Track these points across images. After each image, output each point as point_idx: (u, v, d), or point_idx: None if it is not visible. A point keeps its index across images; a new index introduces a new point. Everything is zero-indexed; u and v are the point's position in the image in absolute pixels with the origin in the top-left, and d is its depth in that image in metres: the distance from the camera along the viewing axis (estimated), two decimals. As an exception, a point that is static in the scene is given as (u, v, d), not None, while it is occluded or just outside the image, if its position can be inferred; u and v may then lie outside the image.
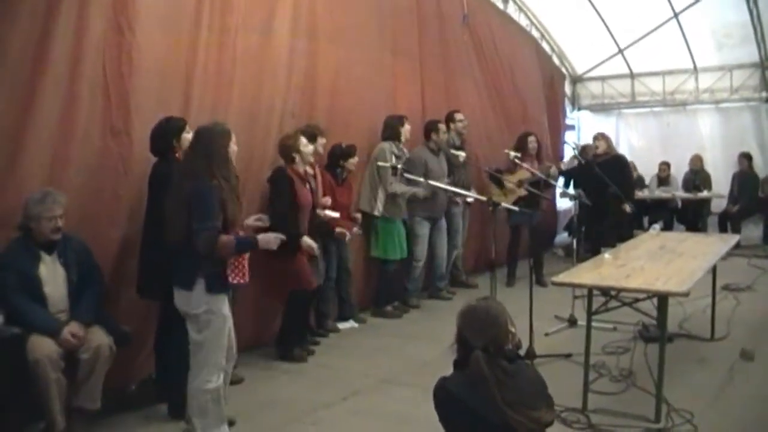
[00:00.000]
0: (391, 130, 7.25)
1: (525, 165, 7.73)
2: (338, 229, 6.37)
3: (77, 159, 4.65)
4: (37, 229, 4.12)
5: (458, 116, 8.26)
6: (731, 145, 12.22)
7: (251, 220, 5.25)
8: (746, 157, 11.72)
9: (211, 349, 3.99)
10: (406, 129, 7.33)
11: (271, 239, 4.25)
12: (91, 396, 4.16)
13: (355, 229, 6.85)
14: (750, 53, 11.67)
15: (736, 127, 12.40)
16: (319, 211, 6.11)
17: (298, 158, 5.77)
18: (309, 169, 6.05)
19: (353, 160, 6.66)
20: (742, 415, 4.59)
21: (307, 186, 5.86)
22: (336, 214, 6.28)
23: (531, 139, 8.69)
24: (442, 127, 7.78)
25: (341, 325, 6.85)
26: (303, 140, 5.81)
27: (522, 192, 8.02)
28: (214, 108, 5.55)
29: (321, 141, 6.25)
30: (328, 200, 6.27)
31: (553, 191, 9.88)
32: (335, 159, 6.61)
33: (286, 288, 5.80)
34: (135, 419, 4.64)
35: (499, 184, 8.28)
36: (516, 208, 6.50)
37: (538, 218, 8.76)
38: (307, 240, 5.60)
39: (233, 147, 4.13)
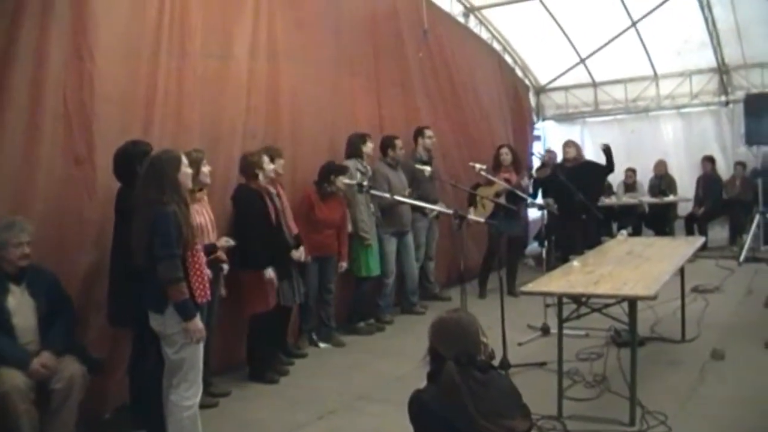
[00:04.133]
0: (353, 148, 7.33)
1: (496, 178, 7.81)
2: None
3: (42, 188, 4.63)
4: (5, 257, 4.09)
5: (428, 132, 8.33)
6: (694, 149, 12.41)
7: (222, 241, 5.25)
8: (709, 161, 11.88)
9: (189, 368, 4.01)
10: (368, 147, 7.42)
11: (198, 329, 3.97)
12: (65, 427, 4.10)
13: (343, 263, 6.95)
14: (708, 58, 11.86)
15: (698, 132, 12.57)
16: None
17: (261, 175, 5.81)
18: (271, 188, 6.05)
19: (344, 179, 6.65)
20: (715, 414, 4.64)
21: (270, 204, 5.88)
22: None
23: (503, 151, 8.70)
24: (399, 142, 7.83)
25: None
26: (265, 158, 5.87)
27: (501, 201, 7.95)
28: (176, 133, 5.54)
29: (279, 162, 6.22)
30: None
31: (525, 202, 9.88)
32: (326, 174, 6.64)
33: (246, 307, 5.78)
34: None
35: (474, 201, 8.33)
36: (481, 219, 6.54)
37: (520, 228, 8.98)
38: (269, 272, 5.68)
39: (186, 171, 4.14)
